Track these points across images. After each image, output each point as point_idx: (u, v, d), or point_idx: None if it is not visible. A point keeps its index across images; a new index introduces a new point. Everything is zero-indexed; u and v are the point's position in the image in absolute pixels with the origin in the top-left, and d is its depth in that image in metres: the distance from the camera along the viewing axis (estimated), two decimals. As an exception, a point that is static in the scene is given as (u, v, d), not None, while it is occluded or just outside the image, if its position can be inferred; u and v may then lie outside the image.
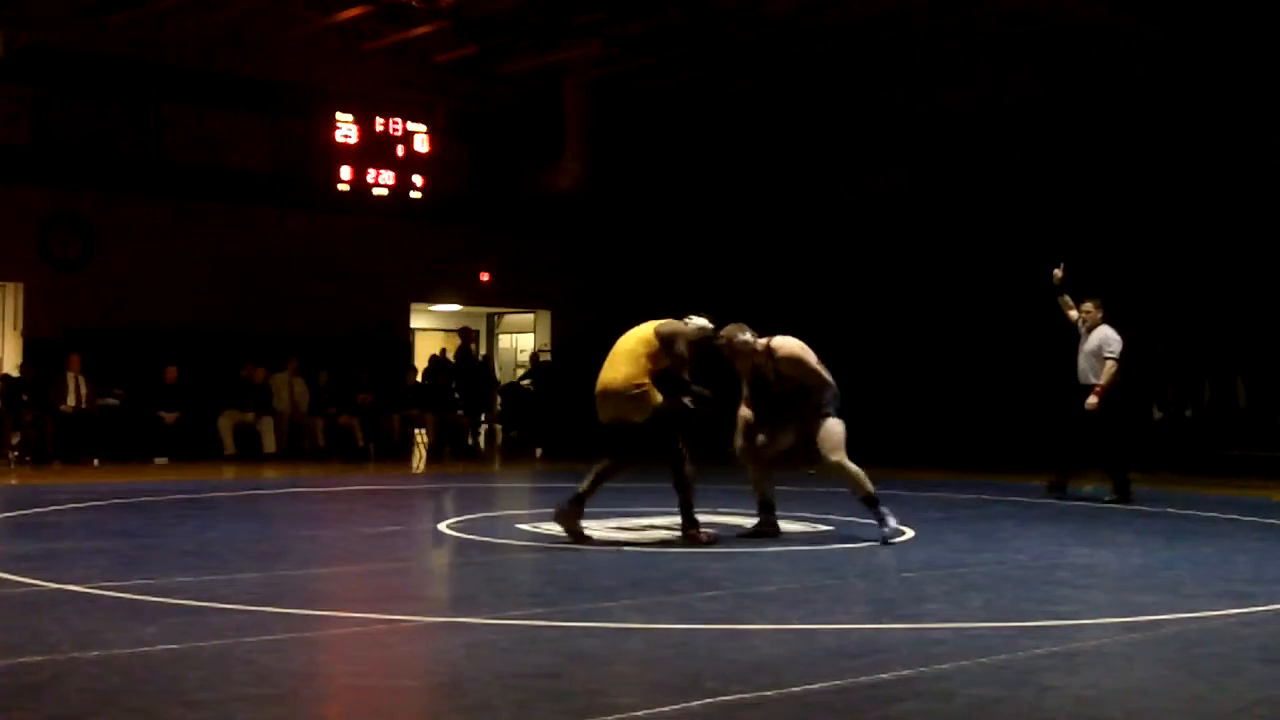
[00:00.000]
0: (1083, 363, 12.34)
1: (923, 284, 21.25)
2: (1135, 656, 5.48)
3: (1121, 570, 8.00)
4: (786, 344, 9.03)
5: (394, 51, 19.05)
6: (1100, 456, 12.54)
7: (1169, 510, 11.74)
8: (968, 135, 20.78)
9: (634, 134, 22.07)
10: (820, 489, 13.64)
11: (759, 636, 5.76)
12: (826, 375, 9.02)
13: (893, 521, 8.89)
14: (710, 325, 9.08)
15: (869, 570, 7.88)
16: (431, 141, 20.00)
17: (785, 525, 10.09)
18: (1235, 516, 11.11)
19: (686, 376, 8.74)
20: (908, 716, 4.51)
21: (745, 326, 9.10)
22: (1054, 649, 5.51)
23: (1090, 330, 12.39)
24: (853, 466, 8.92)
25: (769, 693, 4.66)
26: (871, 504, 8.94)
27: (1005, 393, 19.91)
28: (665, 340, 8.74)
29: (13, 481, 14.19)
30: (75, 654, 5.14)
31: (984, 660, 5.26)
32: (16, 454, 16.30)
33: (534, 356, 22.15)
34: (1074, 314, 12.49)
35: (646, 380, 8.62)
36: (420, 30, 18.23)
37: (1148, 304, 19.28)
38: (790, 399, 9.07)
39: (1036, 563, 8.28)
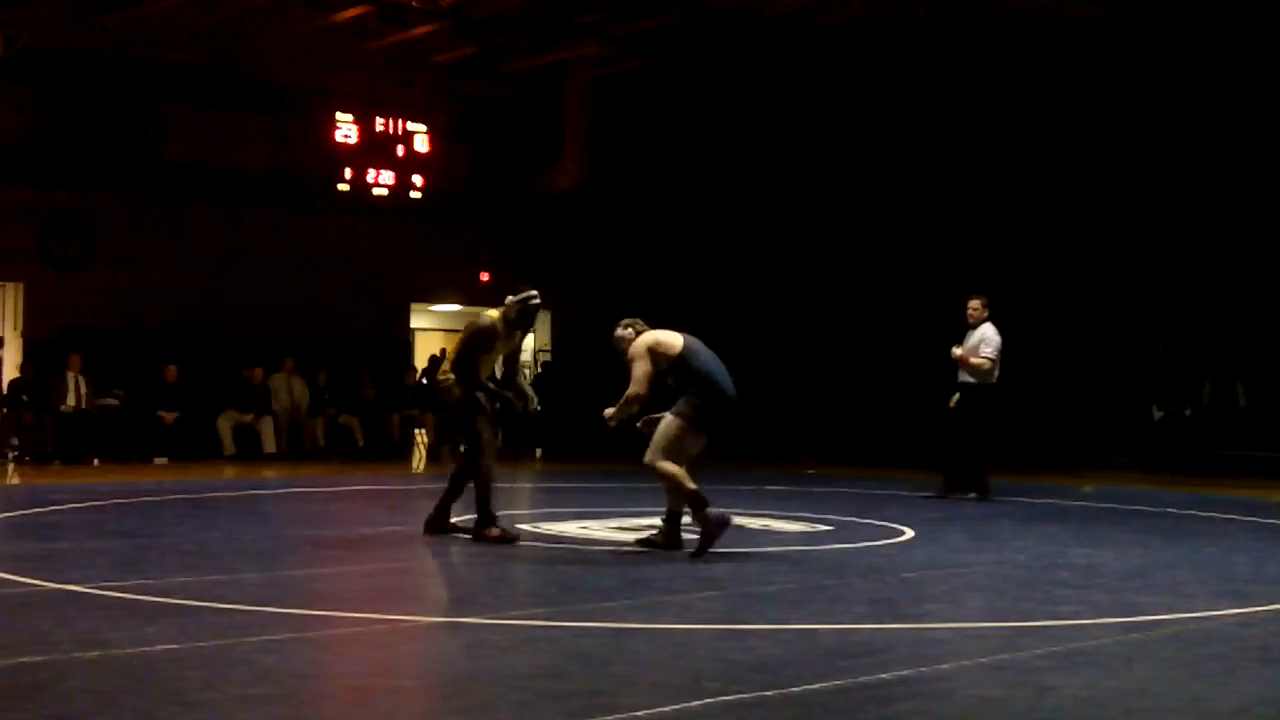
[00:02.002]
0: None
1: (923, 282, 21.24)
2: (1135, 656, 5.48)
3: (1121, 570, 7.99)
4: (638, 340, 8.35)
5: (394, 51, 19.05)
6: (959, 451, 12.35)
7: (1169, 510, 11.75)
8: (967, 135, 20.77)
9: (634, 134, 22.07)
10: (820, 489, 13.67)
11: (759, 636, 5.76)
12: (640, 388, 8.14)
13: (720, 515, 8.05)
14: (494, 314, 8.94)
15: (869, 570, 7.87)
16: (431, 141, 20.00)
17: (785, 525, 10.10)
18: (1235, 516, 11.11)
19: (483, 376, 8.93)
20: (908, 716, 4.50)
21: (634, 322, 8.53)
22: (1054, 649, 5.50)
23: (974, 328, 12.24)
24: (670, 467, 8.12)
25: (769, 693, 4.66)
26: (697, 505, 8.10)
27: (1004, 392, 19.89)
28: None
29: (13, 481, 14.18)
30: (75, 654, 5.14)
31: (984, 660, 5.26)
32: (16, 454, 16.30)
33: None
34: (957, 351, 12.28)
35: (450, 374, 8.92)
36: (420, 30, 18.23)
37: (1148, 304, 19.30)
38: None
39: (1036, 563, 8.28)
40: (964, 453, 12.31)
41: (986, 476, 12.31)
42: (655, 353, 8.25)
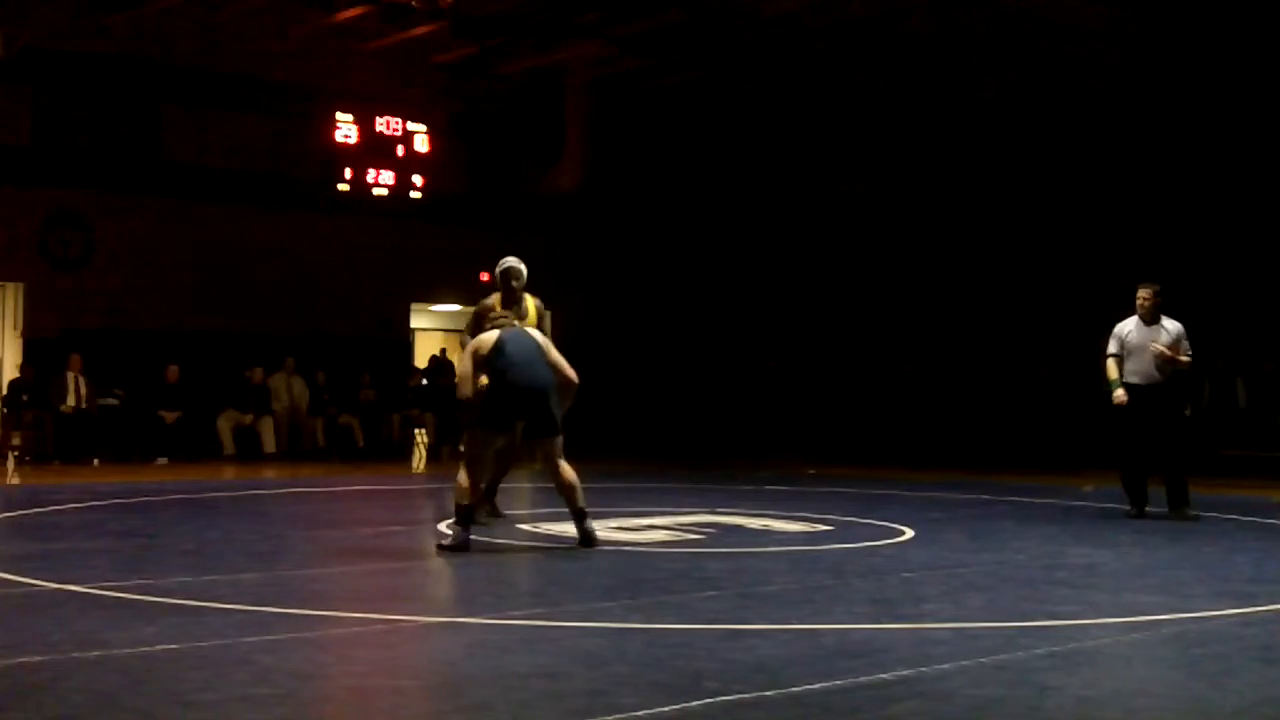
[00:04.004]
0: (1150, 360, 10.61)
1: (922, 284, 21.26)
2: (1135, 656, 5.48)
3: (1121, 570, 7.99)
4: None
5: (394, 51, 19.05)
6: (1164, 462, 10.76)
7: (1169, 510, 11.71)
8: (967, 135, 20.77)
9: (634, 134, 22.06)
10: (820, 489, 13.66)
11: (759, 636, 5.75)
12: (464, 385, 8.58)
13: (464, 538, 8.22)
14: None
15: (869, 570, 7.87)
16: (431, 141, 20.00)
17: (785, 525, 10.10)
18: (1235, 516, 11.08)
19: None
20: (908, 716, 4.50)
21: (501, 315, 8.95)
22: (1054, 649, 5.50)
23: (1151, 321, 10.70)
24: (460, 478, 8.35)
25: (769, 693, 4.66)
26: (463, 515, 8.30)
27: (1004, 392, 19.91)
28: None
29: (13, 481, 14.18)
30: (75, 654, 5.14)
31: (984, 660, 5.26)
32: (17, 454, 16.30)
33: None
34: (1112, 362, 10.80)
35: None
36: (420, 30, 18.23)
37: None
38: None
39: (1036, 563, 8.27)
40: (1177, 461, 10.78)
41: (1146, 489, 10.83)
42: (475, 352, 8.54)
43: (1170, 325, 10.72)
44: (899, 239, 21.57)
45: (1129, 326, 10.80)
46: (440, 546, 8.40)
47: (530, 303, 9.97)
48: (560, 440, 8.46)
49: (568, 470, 8.43)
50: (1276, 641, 6.04)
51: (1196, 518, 10.47)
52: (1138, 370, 10.68)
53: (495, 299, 9.67)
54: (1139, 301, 10.75)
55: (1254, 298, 18.57)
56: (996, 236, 20.37)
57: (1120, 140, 19.41)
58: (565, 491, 8.47)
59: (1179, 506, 10.63)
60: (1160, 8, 16.74)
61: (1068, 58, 18.28)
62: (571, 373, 8.57)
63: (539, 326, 9.83)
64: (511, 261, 9.84)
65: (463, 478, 8.34)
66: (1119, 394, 10.69)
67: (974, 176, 20.92)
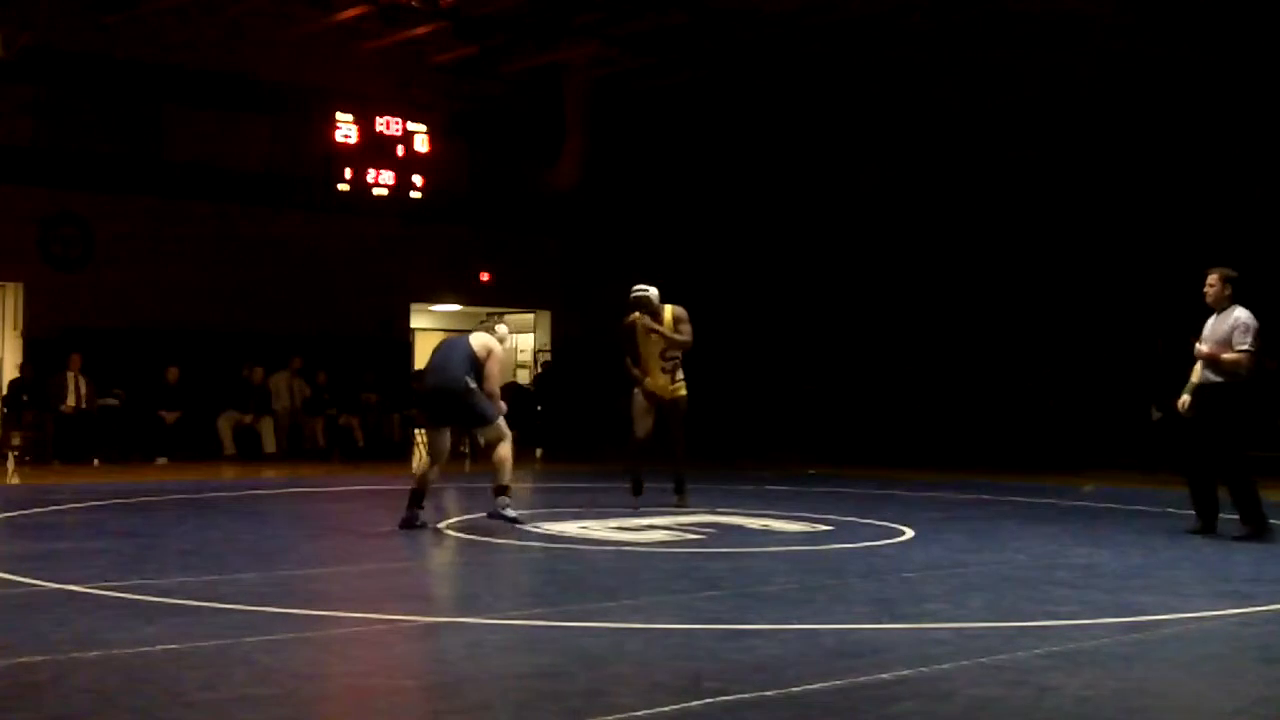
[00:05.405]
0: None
1: (923, 283, 21.25)
2: (1135, 656, 5.48)
3: (1121, 570, 7.98)
4: None
5: (394, 51, 19.04)
6: (1223, 473, 9.65)
7: (1169, 510, 11.72)
8: (967, 134, 20.77)
9: (634, 133, 22.06)
10: (820, 489, 13.67)
11: (759, 636, 5.75)
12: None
13: (409, 516, 9.37)
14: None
15: (869, 570, 7.87)
16: (431, 141, 19.98)
17: (785, 525, 10.10)
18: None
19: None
20: (908, 716, 4.50)
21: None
22: (1054, 649, 5.50)
23: (1218, 312, 9.61)
24: (418, 468, 9.83)
25: (769, 693, 4.66)
26: (411, 500, 9.41)
27: (1004, 392, 19.91)
28: None
29: (13, 481, 14.18)
30: (75, 654, 5.14)
31: (984, 660, 5.26)
32: (17, 454, 16.30)
33: None
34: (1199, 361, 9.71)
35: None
36: (420, 30, 18.23)
37: (1147, 302, 19.29)
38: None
39: (1036, 563, 8.27)
40: (1224, 474, 9.64)
41: (1259, 505, 9.44)
42: None
43: (1229, 317, 9.52)
44: (898, 239, 21.56)
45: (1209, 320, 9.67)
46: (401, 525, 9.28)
47: (667, 312, 11.30)
48: (491, 429, 9.41)
49: (502, 450, 9.38)
50: (1276, 641, 6.04)
51: (1247, 535, 9.39)
52: (1204, 367, 9.62)
53: (636, 317, 11.13)
54: (1205, 289, 9.71)
55: (1253, 297, 18.54)
56: (996, 237, 20.36)
57: (1118, 139, 19.40)
58: (494, 465, 9.47)
59: (1211, 528, 9.65)
60: (1159, 7, 16.73)
61: (1067, 56, 18.26)
62: (493, 386, 9.46)
63: (675, 328, 11.20)
64: (637, 292, 11.24)
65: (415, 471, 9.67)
66: (1182, 400, 9.78)
67: (973, 177, 20.91)
